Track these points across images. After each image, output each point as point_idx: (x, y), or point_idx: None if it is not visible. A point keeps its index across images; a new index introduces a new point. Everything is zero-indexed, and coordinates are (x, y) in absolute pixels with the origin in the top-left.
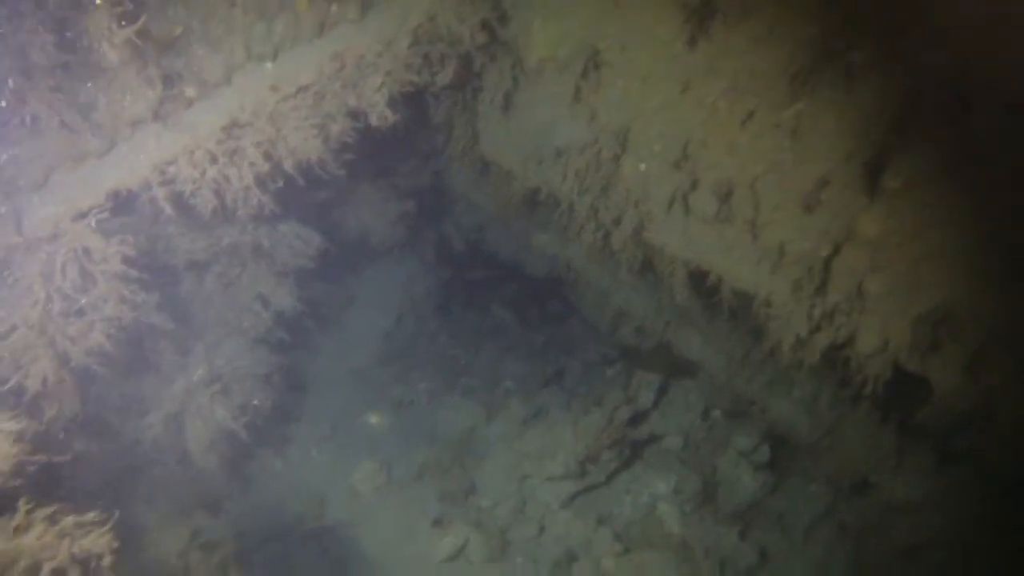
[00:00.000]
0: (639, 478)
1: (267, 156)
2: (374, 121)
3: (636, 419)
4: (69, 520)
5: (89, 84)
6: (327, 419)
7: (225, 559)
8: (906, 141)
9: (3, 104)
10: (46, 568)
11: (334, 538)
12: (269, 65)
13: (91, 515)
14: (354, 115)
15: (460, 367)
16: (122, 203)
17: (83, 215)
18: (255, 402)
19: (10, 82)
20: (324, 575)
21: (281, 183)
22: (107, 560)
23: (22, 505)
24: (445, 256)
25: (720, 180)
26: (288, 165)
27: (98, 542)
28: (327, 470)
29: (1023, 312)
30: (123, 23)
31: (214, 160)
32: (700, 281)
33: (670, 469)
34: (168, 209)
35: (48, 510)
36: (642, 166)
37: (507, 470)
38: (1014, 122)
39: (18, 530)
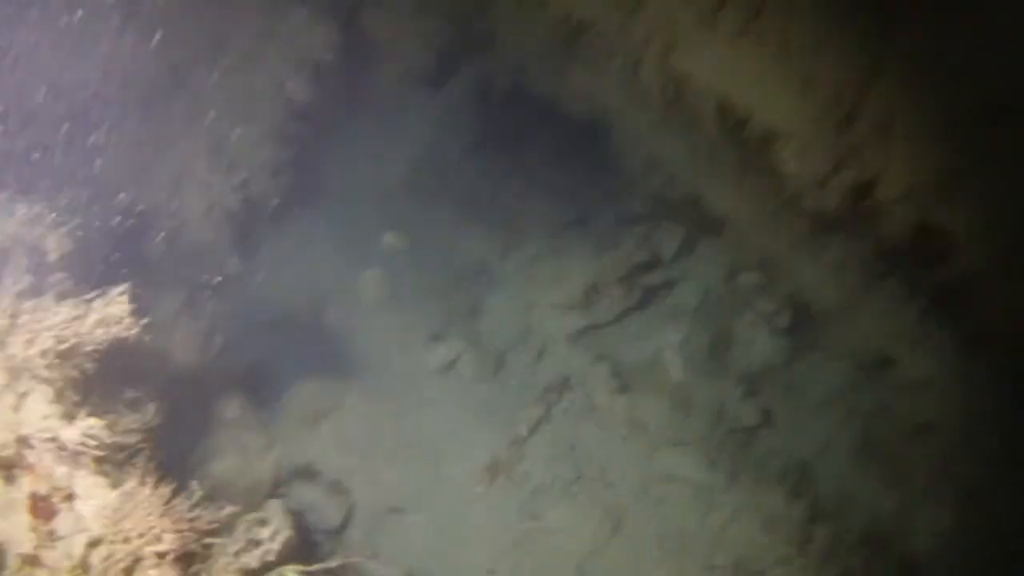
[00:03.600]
0: (650, 324)
1: None
2: None
3: (653, 265)
4: (21, 207)
5: None
6: (344, 228)
7: (213, 326)
8: None
9: None
10: None
11: (330, 333)
12: None
13: (41, 207)
14: None
15: (485, 201)
16: None
17: None
18: (259, 184)
19: None
20: (314, 363)
21: None
22: (53, 256)
23: None
24: (485, 92)
25: None
26: None
27: (48, 235)
28: (335, 273)
29: None
30: None
31: None
32: (728, 117)
33: (683, 321)
34: None
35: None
36: None
37: (515, 299)
38: None
39: None
